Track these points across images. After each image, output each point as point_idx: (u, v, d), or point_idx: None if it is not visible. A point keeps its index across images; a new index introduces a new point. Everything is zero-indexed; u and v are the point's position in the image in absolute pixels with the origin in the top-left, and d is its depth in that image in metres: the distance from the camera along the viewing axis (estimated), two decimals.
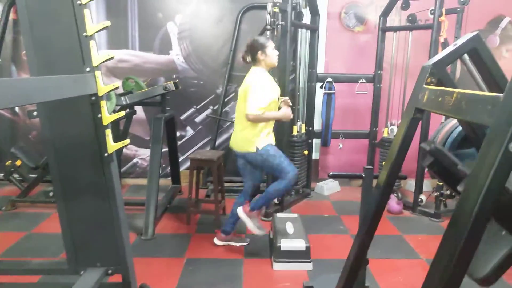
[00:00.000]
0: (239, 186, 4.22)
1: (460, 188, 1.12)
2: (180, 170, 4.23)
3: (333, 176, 1.85)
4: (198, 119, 4.44)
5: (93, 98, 1.82)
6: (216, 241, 2.94)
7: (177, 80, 3.48)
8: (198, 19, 4.24)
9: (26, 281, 2.19)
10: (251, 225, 2.75)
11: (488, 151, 0.78)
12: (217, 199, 3.29)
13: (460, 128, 1.38)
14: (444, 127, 1.48)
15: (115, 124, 3.51)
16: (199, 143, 4.49)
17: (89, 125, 1.88)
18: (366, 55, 4.25)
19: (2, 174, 3.86)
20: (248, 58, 2.68)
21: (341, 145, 4.03)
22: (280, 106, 2.75)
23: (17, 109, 4.35)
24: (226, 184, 3.68)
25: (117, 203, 1.96)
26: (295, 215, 3.15)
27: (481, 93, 0.93)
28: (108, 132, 1.88)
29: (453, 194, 2.57)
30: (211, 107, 4.41)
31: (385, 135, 3.85)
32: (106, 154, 1.89)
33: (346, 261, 1.49)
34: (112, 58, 1.87)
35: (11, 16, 4.07)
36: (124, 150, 4.41)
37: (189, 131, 4.47)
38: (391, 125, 3.93)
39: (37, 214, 3.49)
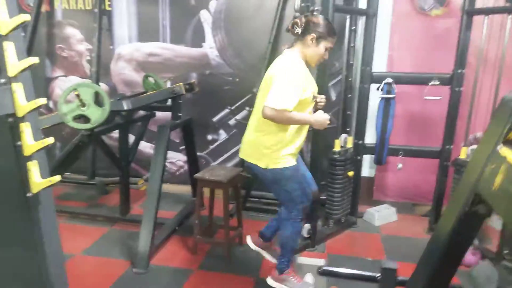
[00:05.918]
0: (273, 205, 3.58)
1: None
2: None
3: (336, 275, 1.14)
4: (232, 122, 3.88)
5: (10, 119, 1.35)
6: (269, 281, 2.25)
7: (193, 81, 2.92)
8: (235, 4, 3.62)
9: None
10: None
11: None
12: (227, 227, 2.68)
13: None
14: None
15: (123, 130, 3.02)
16: (232, 149, 3.92)
17: (10, 156, 1.43)
18: (447, 47, 3.23)
19: None
20: (297, 30, 2.00)
21: (400, 165, 3.11)
22: (315, 108, 2.09)
23: None
24: (257, 199, 3.05)
25: (46, 260, 1.48)
26: (321, 261, 2.43)
27: None
28: (32, 166, 1.41)
29: None
30: (247, 108, 3.79)
31: (462, 156, 2.84)
32: (29, 195, 1.42)
33: None
34: (35, 64, 1.38)
35: (44, 7, 3.88)
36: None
37: (222, 135, 3.93)
38: (472, 142, 2.92)
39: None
